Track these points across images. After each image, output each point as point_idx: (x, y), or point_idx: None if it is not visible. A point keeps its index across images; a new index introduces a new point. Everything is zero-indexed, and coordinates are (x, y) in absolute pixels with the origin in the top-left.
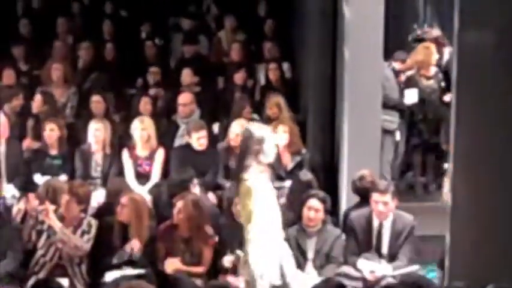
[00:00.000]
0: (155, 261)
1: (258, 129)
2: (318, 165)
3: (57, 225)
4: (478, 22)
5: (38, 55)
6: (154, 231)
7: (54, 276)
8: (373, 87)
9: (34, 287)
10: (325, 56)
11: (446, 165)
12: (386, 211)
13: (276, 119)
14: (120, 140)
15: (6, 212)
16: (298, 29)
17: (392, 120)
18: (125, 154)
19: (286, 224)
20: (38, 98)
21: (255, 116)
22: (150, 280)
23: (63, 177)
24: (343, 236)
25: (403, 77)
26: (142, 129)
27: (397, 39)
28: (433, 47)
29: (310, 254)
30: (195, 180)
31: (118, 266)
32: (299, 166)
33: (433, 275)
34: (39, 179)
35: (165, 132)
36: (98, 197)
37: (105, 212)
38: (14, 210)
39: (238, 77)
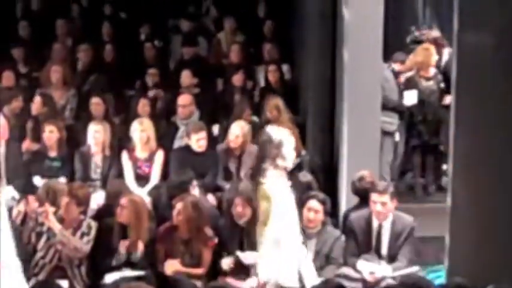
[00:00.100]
0: (155, 263)
1: (277, 132)
2: (317, 166)
3: (56, 227)
4: (477, 23)
5: (37, 57)
6: (154, 232)
7: (53, 278)
8: (372, 89)
9: None
10: (324, 57)
11: (445, 166)
12: (385, 211)
13: (276, 121)
14: (120, 141)
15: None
16: (298, 30)
17: (392, 121)
18: (125, 156)
19: None
20: (37, 100)
21: (255, 118)
22: (149, 282)
23: (62, 179)
24: (343, 237)
25: (402, 79)
26: (141, 130)
27: (396, 41)
28: (432, 48)
29: (310, 255)
30: (195, 182)
31: (117, 268)
32: (298, 167)
33: (433, 276)
34: (38, 181)
35: (165, 133)
36: (98, 199)
37: (104, 214)
38: (14, 212)
39: (237, 79)
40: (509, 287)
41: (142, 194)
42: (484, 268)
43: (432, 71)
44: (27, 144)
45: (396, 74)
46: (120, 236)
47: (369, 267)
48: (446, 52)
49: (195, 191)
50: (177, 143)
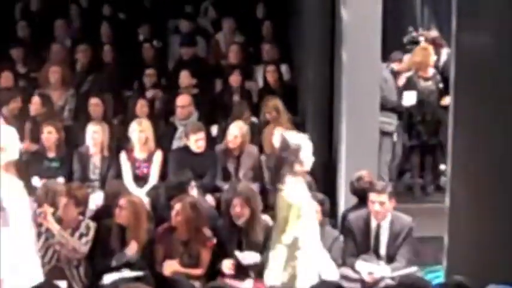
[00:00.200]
0: (153, 264)
1: (294, 138)
2: (316, 167)
3: (55, 227)
4: (475, 23)
5: (36, 58)
6: (153, 233)
7: (52, 278)
8: (371, 89)
9: None
10: (323, 57)
11: (443, 167)
12: (383, 211)
13: (275, 122)
14: (118, 142)
15: None
16: (296, 31)
17: (391, 122)
18: (123, 156)
19: None
20: (35, 101)
21: (254, 119)
22: (148, 282)
23: (61, 180)
24: (341, 238)
25: (402, 79)
26: (140, 131)
27: (394, 41)
28: (430, 48)
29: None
30: (193, 183)
31: (116, 269)
32: None
33: (431, 276)
34: (37, 181)
35: (163, 134)
36: (96, 199)
37: (103, 215)
38: None
39: (233, 79)
40: (508, 287)
41: (141, 194)
42: (483, 268)
43: (431, 71)
44: (25, 145)
45: (395, 74)
46: (118, 237)
47: (367, 268)
48: (445, 52)
49: (193, 191)
50: (176, 144)
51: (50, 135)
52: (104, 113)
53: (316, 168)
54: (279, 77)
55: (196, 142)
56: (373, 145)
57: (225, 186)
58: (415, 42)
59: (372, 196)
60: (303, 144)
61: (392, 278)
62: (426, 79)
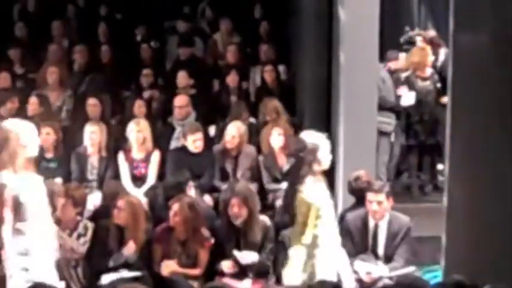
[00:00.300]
0: (151, 264)
1: (311, 137)
2: None
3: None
4: (473, 23)
5: (33, 58)
6: (151, 233)
7: None
8: (368, 89)
9: None
10: (320, 58)
11: (441, 166)
12: (380, 211)
13: (274, 123)
14: (116, 142)
15: None
16: (294, 31)
17: (389, 122)
18: (121, 157)
19: (283, 227)
20: (33, 101)
21: (252, 120)
22: (146, 283)
23: (59, 180)
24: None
25: (400, 81)
26: (138, 131)
27: (391, 41)
28: (428, 48)
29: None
30: (191, 183)
31: (114, 269)
32: None
33: (429, 276)
34: None
35: (161, 134)
36: (94, 199)
37: (101, 215)
38: None
39: (231, 80)
40: (506, 286)
41: (139, 194)
42: (481, 268)
43: (428, 71)
44: None
45: (392, 73)
46: (116, 237)
47: (365, 268)
48: (443, 52)
49: (191, 191)
50: (174, 144)
51: (47, 136)
52: (101, 114)
53: None
54: (276, 77)
55: (194, 142)
56: (371, 145)
57: (223, 187)
58: (412, 42)
59: (370, 196)
60: (321, 143)
61: (390, 278)
62: (424, 79)
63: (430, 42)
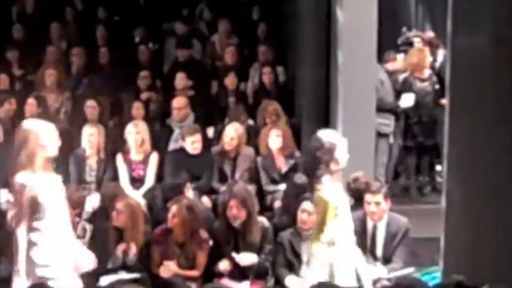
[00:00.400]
0: (150, 266)
1: (328, 136)
2: None
3: None
4: (471, 24)
5: (31, 60)
6: (149, 235)
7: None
8: (367, 90)
9: None
10: (319, 59)
11: (440, 167)
12: (378, 212)
13: (274, 125)
14: (114, 144)
15: (0, 217)
16: (292, 32)
17: (388, 123)
18: (119, 158)
19: (281, 228)
20: (30, 102)
21: (250, 121)
22: (145, 284)
23: None
24: None
25: (399, 80)
26: (136, 133)
27: (389, 42)
28: (426, 49)
29: (305, 257)
30: (189, 184)
31: (113, 271)
32: (293, 169)
33: (428, 277)
34: None
35: (159, 136)
36: (93, 201)
37: (99, 217)
38: (9, 215)
39: (229, 81)
40: (505, 287)
41: (137, 196)
42: (480, 269)
43: (427, 72)
44: None
45: (390, 73)
46: (115, 239)
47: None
48: (441, 53)
49: (189, 193)
50: (172, 146)
51: None
52: (99, 115)
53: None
54: (274, 78)
55: (193, 144)
56: (369, 146)
57: (222, 188)
58: (410, 43)
59: (367, 197)
60: (338, 142)
61: (389, 279)
62: (422, 80)
63: (429, 43)
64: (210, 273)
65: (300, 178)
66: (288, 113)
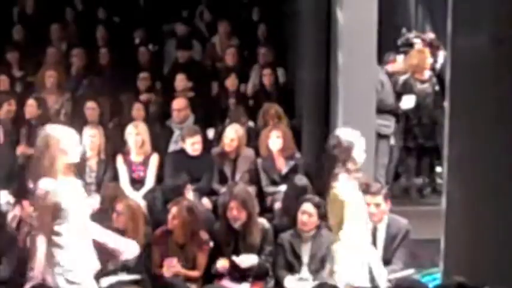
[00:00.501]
0: (150, 267)
1: (346, 135)
2: (312, 169)
3: None
4: (471, 25)
5: (31, 61)
6: (149, 237)
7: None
8: (367, 92)
9: None
10: (319, 60)
11: (440, 169)
12: (378, 213)
13: (274, 127)
14: (114, 145)
15: (1, 218)
16: (292, 33)
17: (389, 124)
18: (119, 160)
19: (281, 229)
20: (30, 103)
21: (251, 123)
22: (145, 286)
23: None
24: None
25: (399, 82)
26: (136, 134)
27: (388, 43)
28: (427, 51)
29: (305, 259)
30: (190, 186)
31: (113, 272)
32: (293, 171)
33: (428, 278)
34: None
35: (159, 137)
36: (93, 203)
37: (99, 218)
38: (9, 216)
39: (229, 82)
40: None
41: (137, 197)
42: (480, 270)
43: (427, 73)
44: (21, 149)
45: (390, 75)
46: None
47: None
48: (441, 55)
49: (189, 194)
50: (172, 147)
51: None
52: (99, 117)
53: (312, 171)
54: (274, 80)
55: (193, 145)
56: (369, 148)
57: (222, 190)
58: (409, 44)
59: (367, 198)
60: (356, 141)
61: (389, 281)
62: (422, 82)
63: (429, 44)
64: (211, 275)
65: (300, 180)
66: (288, 114)
